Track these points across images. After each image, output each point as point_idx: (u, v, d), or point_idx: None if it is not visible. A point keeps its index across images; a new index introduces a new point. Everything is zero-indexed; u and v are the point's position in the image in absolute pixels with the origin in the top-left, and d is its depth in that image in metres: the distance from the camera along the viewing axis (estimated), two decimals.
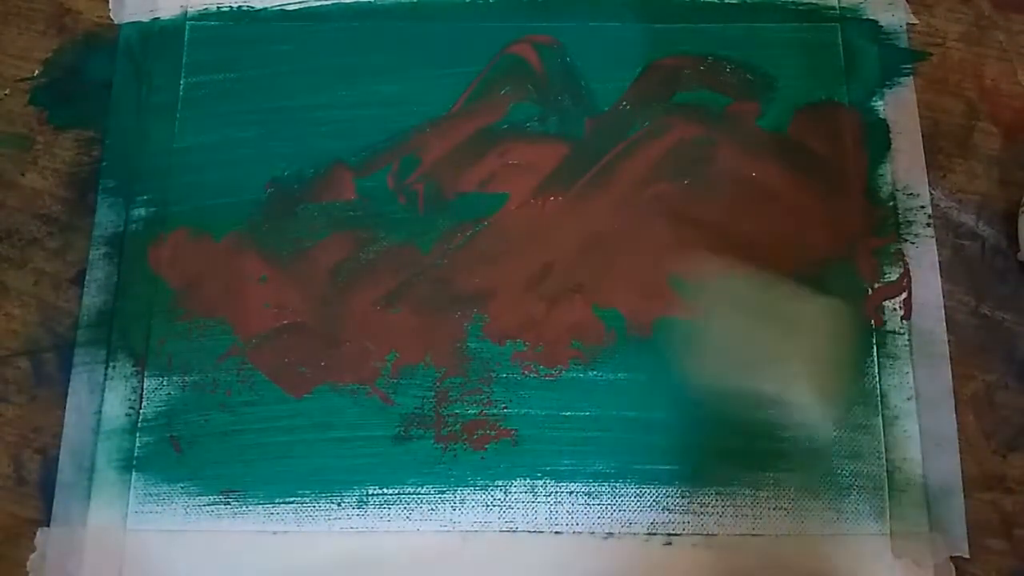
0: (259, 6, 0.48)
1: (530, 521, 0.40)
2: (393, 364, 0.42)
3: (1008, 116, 0.46)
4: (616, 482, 0.41)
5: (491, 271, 0.43)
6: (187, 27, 0.47)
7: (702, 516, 0.40)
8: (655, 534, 0.40)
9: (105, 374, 0.42)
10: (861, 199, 0.44)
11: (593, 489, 0.41)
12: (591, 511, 0.40)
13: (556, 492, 0.40)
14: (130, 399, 0.42)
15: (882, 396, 0.41)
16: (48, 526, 0.40)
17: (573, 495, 0.40)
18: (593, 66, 0.46)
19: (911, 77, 0.46)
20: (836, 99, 0.46)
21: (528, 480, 0.41)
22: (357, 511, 0.40)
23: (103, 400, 0.42)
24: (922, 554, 0.39)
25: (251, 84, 0.46)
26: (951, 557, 0.39)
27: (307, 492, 0.41)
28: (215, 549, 0.40)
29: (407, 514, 0.40)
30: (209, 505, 0.40)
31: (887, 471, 0.40)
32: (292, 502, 0.40)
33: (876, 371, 0.42)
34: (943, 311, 0.43)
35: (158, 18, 0.48)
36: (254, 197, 0.45)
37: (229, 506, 0.40)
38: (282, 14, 0.48)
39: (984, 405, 0.42)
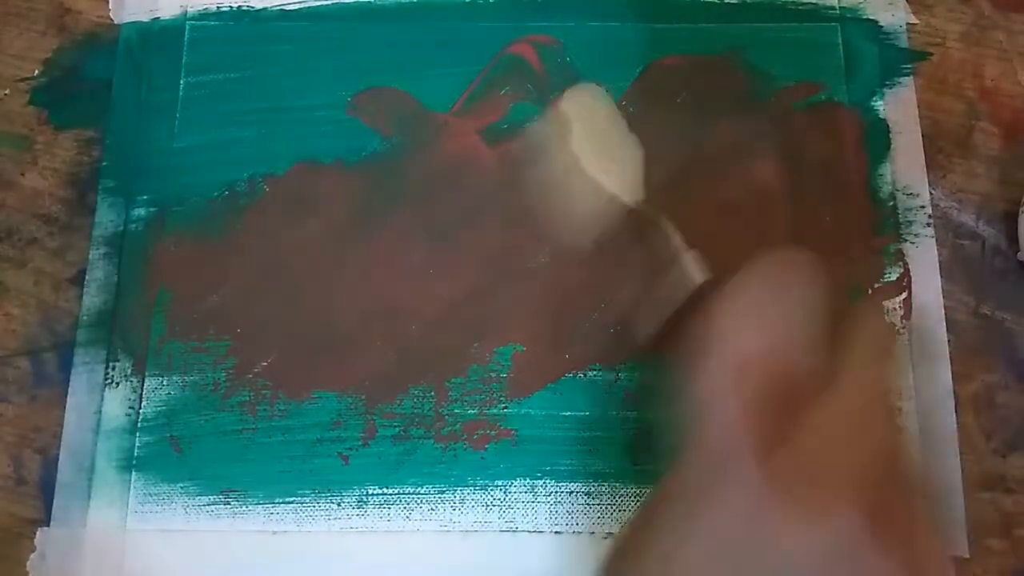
0: (259, 6, 0.48)
1: (530, 521, 0.40)
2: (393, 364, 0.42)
3: (1008, 116, 0.46)
4: (616, 482, 0.40)
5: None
6: (187, 27, 0.47)
7: None
8: None
9: (105, 374, 0.42)
10: (861, 199, 0.44)
11: (593, 489, 0.40)
12: (591, 511, 0.40)
13: (556, 492, 0.40)
14: (130, 399, 0.42)
15: None
16: (48, 526, 0.40)
17: (573, 495, 0.40)
18: (593, 66, 0.46)
19: (911, 77, 0.46)
20: (836, 99, 0.46)
21: (528, 480, 0.41)
22: (357, 511, 0.40)
23: (103, 400, 0.42)
24: None
25: (251, 84, 0.46)
26: (951, 557, 0.39)
27: (307, 492, 0.41)
28: (215, 549, 0.40)
29: (407, 514, 0.40)
30: (209, 505, 0.40)
31: None
32: (292, 502, 0.40)
33: None
34: (943, 311, 0.43)
35: (158, 18, 0.48)
36: (253, 197, 0.45)
37: (229, 506, 0.40)
38: (282, 14, 0.48)
39: (984, 405, 0.41)
